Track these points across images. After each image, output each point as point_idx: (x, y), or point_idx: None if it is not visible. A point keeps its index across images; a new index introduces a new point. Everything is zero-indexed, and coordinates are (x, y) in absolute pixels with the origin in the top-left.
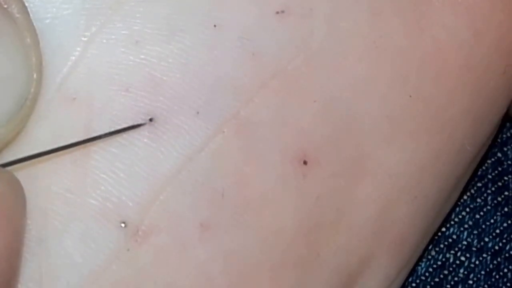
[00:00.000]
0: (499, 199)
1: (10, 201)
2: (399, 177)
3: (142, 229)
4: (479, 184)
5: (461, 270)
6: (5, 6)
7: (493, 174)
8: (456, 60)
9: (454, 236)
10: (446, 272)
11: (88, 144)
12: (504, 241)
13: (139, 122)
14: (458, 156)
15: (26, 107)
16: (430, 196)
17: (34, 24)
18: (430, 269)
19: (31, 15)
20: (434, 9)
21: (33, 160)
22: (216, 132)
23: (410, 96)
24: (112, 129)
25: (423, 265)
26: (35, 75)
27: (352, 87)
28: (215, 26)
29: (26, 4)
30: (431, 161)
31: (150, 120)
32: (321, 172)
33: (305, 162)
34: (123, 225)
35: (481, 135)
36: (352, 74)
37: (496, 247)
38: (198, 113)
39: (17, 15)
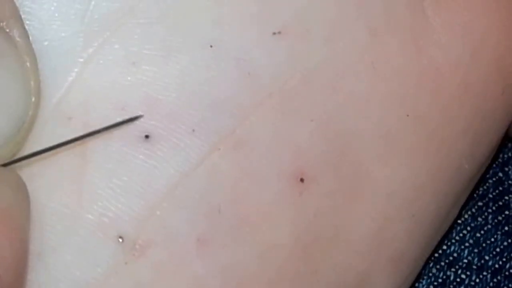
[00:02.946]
0: (500, 218)
1: (17, 204)
2: (396, 195)
3: (139, 243)
4: (480, 203)
5: None
6: (7, 30)
7: (494, 193)
8: (453, 80)
9: (455, 254)
10: None
11: (84, 160)
12: (504, 259)
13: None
14: (456, 175)
15: (24, 130)
16: (428, 214)
17: (33, 46)
18: (431, 287)
19: (30, 37)
20: (431, 29)
21: (30, 176)
22: (212, 149)
23: (408, 116)
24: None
25: (424, 282)
26: (33, 99)
27: (349, 106)
28: (211, 46)
29: (26, 27)
30: (428, 180)
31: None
32: (318, 190)
33: (301, 180)
34: (120, 239)
35: (479, 154)
36: (349, 94)
37: (496, 266)
38: (194, 130)
39: (18, 39)
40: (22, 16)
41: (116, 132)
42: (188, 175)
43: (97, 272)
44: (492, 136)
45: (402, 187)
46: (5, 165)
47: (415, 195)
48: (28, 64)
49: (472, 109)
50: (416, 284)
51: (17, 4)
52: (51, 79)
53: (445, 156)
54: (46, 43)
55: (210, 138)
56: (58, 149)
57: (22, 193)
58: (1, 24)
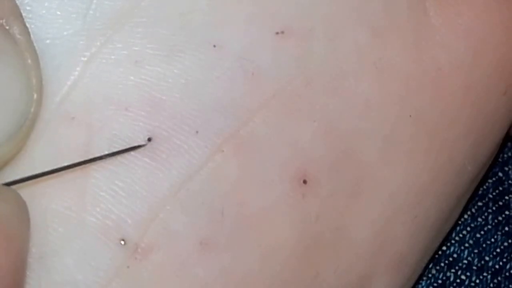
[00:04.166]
0: (500, 218)
1: (15, 221)
2: (398, 196)
3: (142, 247)
4: (480, 204)
5: None
6: (7, 27)
7: (494, 193)
8: (456, 81)
9: (455, 255)
10: None
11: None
12: (504, 260)
13: (138, 141)
14: (459, 176)
15: (26, 127)
16: (430, 215)
17: (35, 45)
18: None
19: (31, 35)
20: (433, 30)
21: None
22: (215, 151)
23: (410, 116)
24: (112, 150)
25: (423, 283)
26: (35, 96)
27: (351, 107)
28: (214, 46)
29: (27, 25)
30: (431, 181)
31: (149, 140)
32: (321, 192)
33: (304, 182)
34: (122, 242)
35: (481, 155)
36: (352, 95)
37: (497, 266)
38: (197, 132)
39: (19, 36)
40: (23, 15)
41: (119, 133)
42: (191, 178)
43: (99, 276)
44: (494, 136)
45: (404, 189)
46: (7, 184)
47: (417, 196)
48: (29, 61)
49: (474, 110)
50: (416, 286)
51: (18, 3)
52: (53, 77)
53: (448, 157)
54: (48, 41)
55: (213, 139)
56: (61, 151)
57: (21, 209)
58: (1, 21)
